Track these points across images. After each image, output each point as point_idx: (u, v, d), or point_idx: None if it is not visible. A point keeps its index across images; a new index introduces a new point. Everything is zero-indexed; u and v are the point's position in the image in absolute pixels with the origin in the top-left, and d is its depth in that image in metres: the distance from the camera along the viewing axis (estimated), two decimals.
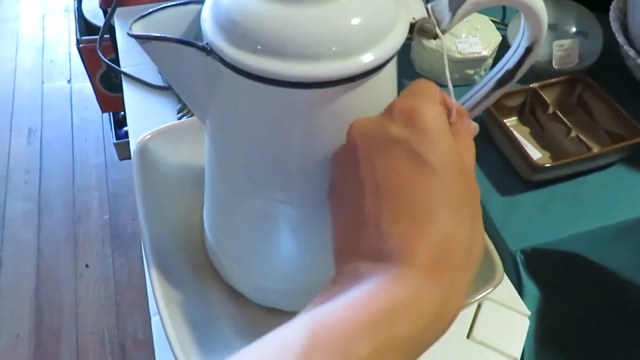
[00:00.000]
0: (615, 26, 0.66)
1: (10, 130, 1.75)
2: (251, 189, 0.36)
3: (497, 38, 0.69)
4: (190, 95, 0.35)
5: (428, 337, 0.23)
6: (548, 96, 0.64)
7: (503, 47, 0.69)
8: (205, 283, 0.45)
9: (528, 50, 0.35)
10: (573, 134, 0.61)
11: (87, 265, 1.41)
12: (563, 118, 0.62)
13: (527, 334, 0.48)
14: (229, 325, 0.42)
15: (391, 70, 0.32)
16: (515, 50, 0.36)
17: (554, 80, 0.65)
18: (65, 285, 1.37)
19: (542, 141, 0.64)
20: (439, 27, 0.32)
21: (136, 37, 0.31)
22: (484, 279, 0.42)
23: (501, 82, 0.38)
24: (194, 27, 0.34)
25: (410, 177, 0.25)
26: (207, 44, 0.29)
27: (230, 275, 0.44)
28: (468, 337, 0.47)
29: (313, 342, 0.21)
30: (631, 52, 0.64)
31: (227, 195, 0.39)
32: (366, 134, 0.28)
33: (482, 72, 0.70)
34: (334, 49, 0.27)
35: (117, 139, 1.52)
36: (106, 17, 0.79)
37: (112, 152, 1.60)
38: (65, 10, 2.23)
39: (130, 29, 0.31)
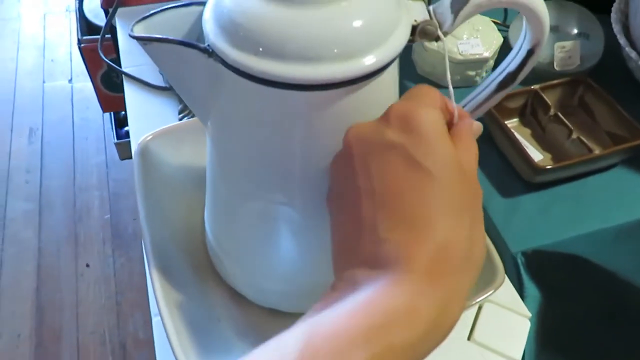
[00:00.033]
0: (616, 28, 0.66)
1: (11, 130, 1.75)
2: (252, 190, 0.36)
3: (498, 39, 0.69)
4: (191, 97, 0.35)
5: (428, 343, 0.23)
6: (549, 98, 0.64)
7: (504, 49, 0.69)
8: (206, 284, 0.45)
9: (530, 53, 0.35)
10: (574, 135, 0.61)
11: (87, 265, 1.41)
12: (564, 120, 0.62)
13: (528, 336, 0.48)
14: (230, 327, 0.42)
15: (393, 72, 0.32)
16: (517, 53, 0.36)
17: (555, 81, 0.65)
18: (66, 284, 1.37)
19: (543, 143, 0.64)
20: (440, 29, 0.32)
21: (138, 38, 0.31)
22: (484, 281, 0.42)
23: (503, 84, 0.38)
24: (196, 29, 0.34)
25: (407, 182, 0.25)
26: (208, 45, 0.29)
27: (232, 277, 0.44)
28: (469, 339, 0.47)
29: (308, 352, 0.21)
30: (633, 54, 0.64)
31: (229, 197, 0.39)
32: (362, 139, 0.27)
33: (484, 74, 0.70)
34: (335, 51, 0.27)
35: (118, 139, 1.52)
36: (107, 17, 0.80)
37: (113, 151, 1.60)
38: (67, 10, 2.23)
39: (131, 30, 0.31)
